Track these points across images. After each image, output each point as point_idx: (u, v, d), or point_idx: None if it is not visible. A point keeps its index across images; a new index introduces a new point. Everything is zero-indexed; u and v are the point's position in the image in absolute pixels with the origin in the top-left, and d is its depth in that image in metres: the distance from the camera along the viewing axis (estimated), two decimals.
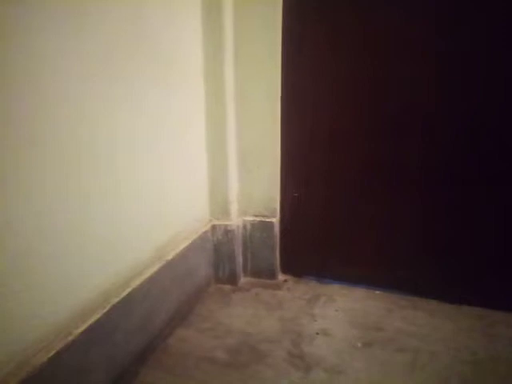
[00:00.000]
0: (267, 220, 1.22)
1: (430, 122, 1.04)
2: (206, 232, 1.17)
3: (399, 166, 1.10)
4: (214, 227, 1.19)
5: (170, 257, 0.99)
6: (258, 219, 1.22)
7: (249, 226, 1.23)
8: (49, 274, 0.67)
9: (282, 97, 1.13)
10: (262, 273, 1.26)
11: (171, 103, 0.98)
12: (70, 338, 0.69)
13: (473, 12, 0.96)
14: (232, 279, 1.23)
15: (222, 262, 1.22)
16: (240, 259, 1.24)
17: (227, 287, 1.22)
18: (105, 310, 0.77)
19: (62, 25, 0.65)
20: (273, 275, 1.26)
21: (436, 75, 1.01)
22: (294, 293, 1.20)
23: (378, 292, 1.18)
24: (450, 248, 1.11)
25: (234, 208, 1.20)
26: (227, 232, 1.19)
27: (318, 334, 1.01)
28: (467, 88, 1.00)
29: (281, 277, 1.27)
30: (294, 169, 1.19)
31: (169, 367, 0.89)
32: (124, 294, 0.83)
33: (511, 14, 0.93)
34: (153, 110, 0.91)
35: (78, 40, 0.69)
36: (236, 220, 1.21)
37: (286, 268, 1.28)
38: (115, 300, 0.80)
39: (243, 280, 1.26)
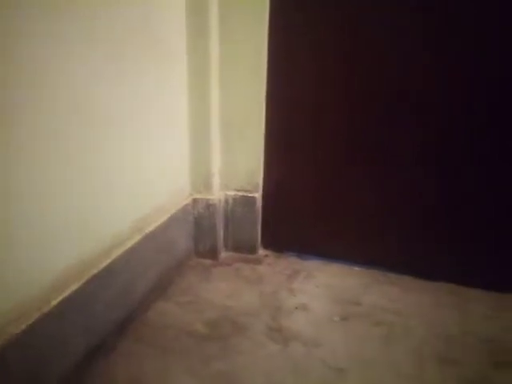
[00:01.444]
0: (249, 195, 1.21)
1: (420, 102, 1.04)
2: (186, 205, 1.16)
3: (383, 142, 1.10)
4: (195, 200, 1.18)
5: (150, 229, 0.98)
6: (240, 194, 1.21)
7: (230, 201, 1.22)
8: (25, 242, 0.66)
9: (268, 67, 1.11)
10: (243, 247, 1.26)
11: (152, 74, 0.95)
12: (47, 308, 0.68)
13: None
14: (213, 253, 1.22)
15: (203, 235, 1.21)
16: (221, 233, 1.24)
17: (208, 261, 1.22)
18: (83, 281, 0.76)
19: None
20: (254, 250, 1.26)
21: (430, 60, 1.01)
22: (275, 268, 1.21)
23: (356, 268, 1.20)
24: (426, 225, 1.13)
25: (215, 182, 1.18)
26: (208, 206, 1.18)
27: (296, 308, 1.02)
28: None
29: (262, 252, 1.28)
30: (278, 144, 1.17)
31: (148, 339, 0.89)
32: (103, 264, 0.82)
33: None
34: (134, 81, 0.88)
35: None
36: (218, 194, 1.20)
37: (267, 243, 1.28)
38: (94, 271, 0.79)
39: (224, 254, 1.26)
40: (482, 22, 0.95)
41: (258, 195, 1.21)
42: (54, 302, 0.70)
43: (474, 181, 1.06)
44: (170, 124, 1.06)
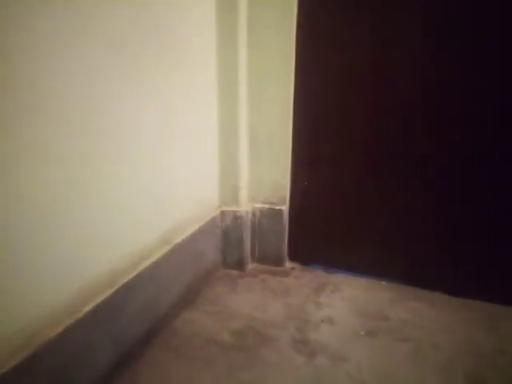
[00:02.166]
0: (276, 207, 1.23)
1: (433, 112, 1.04)
2: (214, 217, 1.18)
3: (412, 154, 1.09)
4: (223, 213, 1.21)
5: (178, 240, 1.01)
6: (267, 206, 1.23)
7: (258, 213, 1.24)
8: (59, 252, 0.69)
9: (295, 80, 1.13)
10: (270, 260, 1.27)
11: (183, 87, 0.98)
12: (78, 316, 0.71)
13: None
14: (240, 265, 1.24)
15: (230, 247, 1.23)
16: (248, 245, 1.26)
17: (235, 272, 1.24)
18: (112, 290, 0.79)
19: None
20: (280, 262, 1.27)
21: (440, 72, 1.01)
22: (301, 280, 1.21)
23: (383, 283, 1.19)
24: (456, 241, 1.11)
25: (243, 194, 1.21)
26: (236, 218, 1.20)
27: (323, 321, 1.02)
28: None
29: (288, 264, 1.29)
30: (305, 157, 1.19)
31: (174, 348, 0.92)
32: (132, 275, 0.84)
33: None
34: (164, 95, 0.92)
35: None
36: (245, 206, 1.22)
37: (294, 256, 1.29)
38: (123, 281, 0.82)
39: (251, 266, 1.28)
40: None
41: (284, 208, 1.23)
42: (85, 310, 0.72)
43: (503, 197, 1.03)
44: (199, 136, 1.09)
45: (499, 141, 1.01)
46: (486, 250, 1.08)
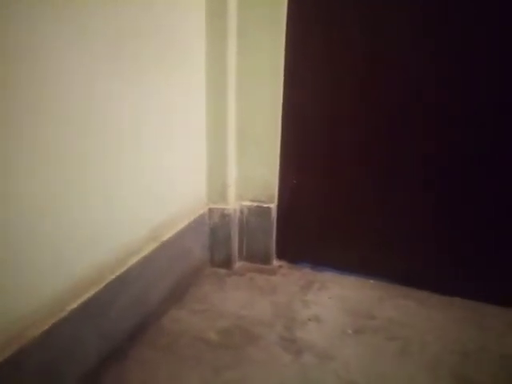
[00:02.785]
0: (264, 205, 1.22)
1: (432, 112, 1.04)
2: (202, 215, 1.17)
3: (400, 154, 1.10)
4: (210, 210, 1.20)
5: (165, 237, 1.00)
6: (255, 204, 1.22)
7: (246, 211, 1.23)
8: (44, 248, 0.68)
9: (284, 78, 1.12)
10: (257, 258, 1.26)
11: (170, 83, 0.97)
12: (64, 313, 0.70)
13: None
14: (227, 263, 1.23)
15: (218, 245, 1.22)
16: (236, 243, 1.25)
17: (222, 271, 1.23)
18: (99, 287, 0.78)
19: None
20: (268, 260, 1.26)
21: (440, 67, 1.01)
22: (289, 278, 1.21)
23: (371, 281, 1.19)
24: (444, 240, 1.11)
25: (231, 192, 1.20)
26: (224, 216, 1.19)
27: (310, 319, 1.02)
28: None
29: (276, 262, 1.28)
30: (293, 155, 1.18)
31: (161, 346, 0.90)
32: (119, 272, 0.83)
33: None
34: (153, 91, 0.91)
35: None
36: (233, 204, 1.21)
37: (282, 254, 1.28)
38: (110, 277, 0.81)
39: (238, 264, 1.27)
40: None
41: (273, 206, 1.22)
42: (71, 307, 0.71)
43: (498, 194, 1.04)
44: (187, 134, 1.08)
45: (499, 141, 1.01)
46: (478, 249, 1.09)
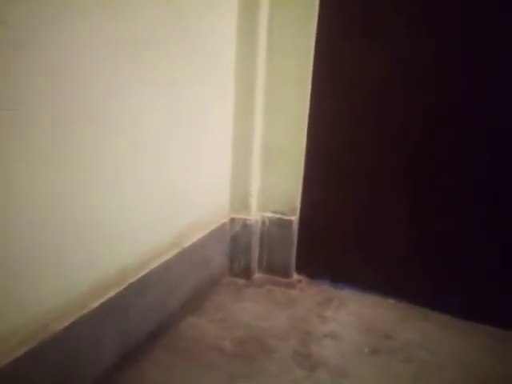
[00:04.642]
0: (286, 218, 1.22)
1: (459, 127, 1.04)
2: (224, 224, 1.19)
3: (429, 170, 1.08)
4: (232, 220, 1.21)
5: (187, 244, 1.01)
6: (277, 216, 1.23)
7: (267, 222, 1.24)
8: (72, 248, 0.70)
9: (311, 92, 1.13)
10: (277, 270, 1.26)
11: (200, 94, 1.00)
12: (86, 310, 0.72)
13: None
14: (246, 273, 1.24)
15: (238, 255, 1.23)
16: (256, 254, 1.25)
17: (241, 281, 1.24)
18: (121, 288, 0.80)
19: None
20: (287, 274, 1.26)
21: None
22: (307, 293, 1.20)
23: (391, 301, 1.17)
24: (470, 264, 1.09)
25: (254, 203, 1.21)
26: (245, 226, 1.21)
27: (326, 335, 1.01)
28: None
29: (295, 276, 1.28)
30: (318, 169, 1.19)
31: (178, 350, 0.92)
32: (141, 274, 0.85)
33: None
34: (181, 99, 0.93)
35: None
36: (255, 215, 1.22)
37: (301, 268, 1.28)
38: (132, 279, 0.83)
39: (257, 275, 1.27)
40: None
41: (294, 219, 1.22)
42: (93, 306, 0.73)
43: None
44: (213, 143, 1.11)
45: None
46: (506, 276, 1.06)
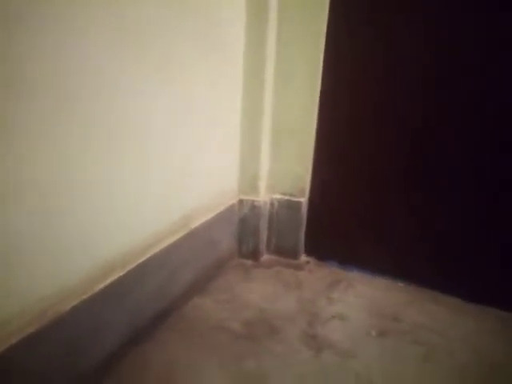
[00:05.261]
0: (295, 199, 1.21)
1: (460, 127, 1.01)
2: (232, 205, 1.18)
3: (436, 155, 1.06)
4: (241, 201, 1.20)
5: (195, 225, 1.01)
6: (285, 197, 1.22)
7: (276, 204, 1.23)
8: (75, 230, 0.70)
9: (322, 74, 1.11)
10: (285, 252, 1.26)
11: (206, 73, 0.98)
12: (94, 291, 0.72)
13: None
14: (254, 255, 1.24)
15: (246, 236, 1.23)
16: (264, 236, 1.25)
17: (249, 262, 1.24)
18: (128, 269, 0.80)
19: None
20: (295, 255, 1.26)
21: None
22: (315, 275, 1.20)
23: (400, 284, 1.16)
24: (480, 248, 1.07)
25: (262, 184, 1.20)
26: (254, 208, 1.20)
27: (334, 317, 1.01)
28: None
29: (303, 258, 1.27)
30: (328, 151, 1.17)
31: (183, 331, 0.92)
32: (147, 256, 0.85)
33: None
34: (191, 82, 0.92)
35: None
36: (264, 196, 1.21)
37: (310, 250, 1.27)
38: (138, 261, 0.83)
39: (265, 257, 1.27)
40: None
41: (303, 200, 1.21)
42: (98, 288, 0.73)
43: None
44: (222, 125, 1.09)
45: None
46: (509, 256, 1.04)
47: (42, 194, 0.63)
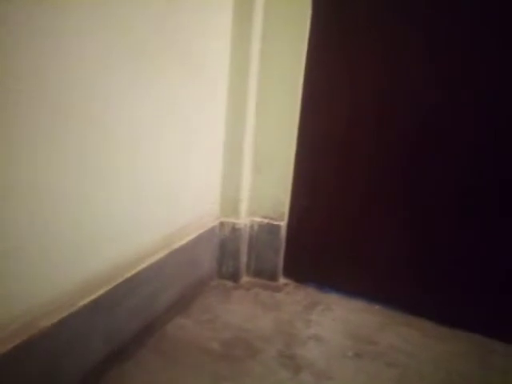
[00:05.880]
0: (275, 223, 1.24)
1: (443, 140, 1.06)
2: (213, 227, 1.20)
3: (412, 184, 1.11)
4: (222, 224, 1.23)
5: (176, 246, 1.03)
6: (266, 221, 1.25)
7: (256, 227, 1.26)
8: (61, 246, 0.71)
9: (301, 101, 1.16)
10: (264, 274, 1.28)
11: (192, 95, 1.01)
12: (74, 308, 0.73)
13: None
14: (234, 276, 1.26)
15: (227, 258, 1.25)
16: (244, 258, 1.27)
17: (229, 283, 1.25)
18: (110, 287, 0.80)
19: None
20: (274, 277, 1.28)
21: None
22: (293, 297, 1.22)
23: (377, 307, 1.19)
24: (453, 272, 1.11)
25: (243, 207, 1.23)
26: (235, 230, 1.22)
27: (310, 338, 1.03)
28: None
29: (282, 280, 1.30)
30: (306, 176, 1.21)
31: (164, 351, 0.93)
32: (130, 274, 0.86)
33: None
34: (174, 101, 0.95)
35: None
36: (244, 219, 1.24)
37: (288, 272, 1.30)
38: (120, 279, 0.84)
39: (245, 279, 1.29)
40: None
41: (283, 224, 1.24)
42: (81, 303, 0.74)
43: (506, 232, 1.04)
44: (204, 147, 1.12)
45: None
46: (489, 284, 1.08)
47: (29, 205, 0.64)
